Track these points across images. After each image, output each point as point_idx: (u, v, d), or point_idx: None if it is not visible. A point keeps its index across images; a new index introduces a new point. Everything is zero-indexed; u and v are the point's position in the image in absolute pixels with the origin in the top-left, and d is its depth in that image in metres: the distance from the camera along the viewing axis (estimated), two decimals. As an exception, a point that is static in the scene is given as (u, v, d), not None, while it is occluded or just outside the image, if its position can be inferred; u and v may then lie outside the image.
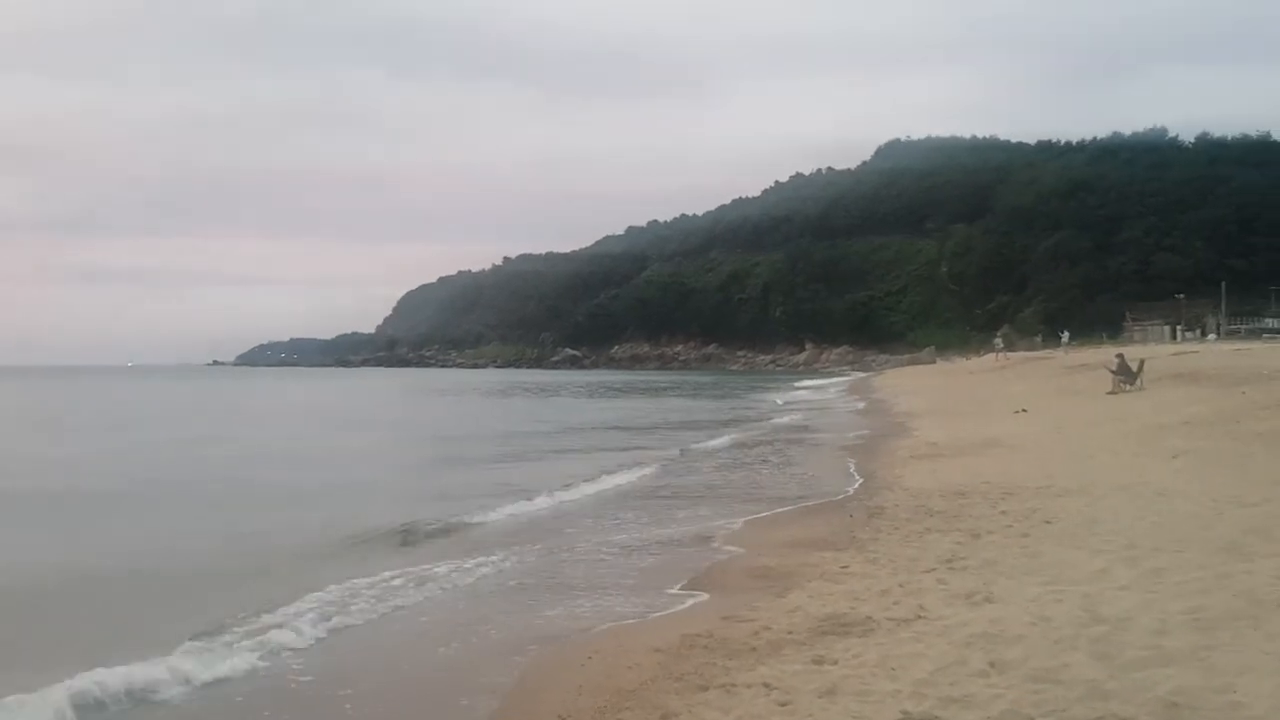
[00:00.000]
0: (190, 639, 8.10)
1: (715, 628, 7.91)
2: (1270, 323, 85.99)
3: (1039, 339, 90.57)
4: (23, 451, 28.35)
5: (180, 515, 16.34)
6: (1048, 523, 11.20)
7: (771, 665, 6.76)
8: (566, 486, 17.81)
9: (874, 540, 11.21)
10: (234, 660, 7.77)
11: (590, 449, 26.81)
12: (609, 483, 18.75)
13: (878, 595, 8.44)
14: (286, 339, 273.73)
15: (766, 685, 6.33)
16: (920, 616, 7.61)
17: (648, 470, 20.76)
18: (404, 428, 39.96)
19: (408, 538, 13.11)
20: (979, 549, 10.07)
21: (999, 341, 78.54)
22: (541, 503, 16.15)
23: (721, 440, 28.13)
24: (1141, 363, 30.31)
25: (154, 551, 12.86)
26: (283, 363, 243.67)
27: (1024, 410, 27.62)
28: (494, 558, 11.72)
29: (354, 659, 8.06)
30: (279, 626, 8.65)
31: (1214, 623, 6.52)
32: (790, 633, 7.54)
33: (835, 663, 6.67)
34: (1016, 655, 6.35)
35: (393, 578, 10.63)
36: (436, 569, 11.09)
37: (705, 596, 9.43)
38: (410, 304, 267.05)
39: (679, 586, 9.98)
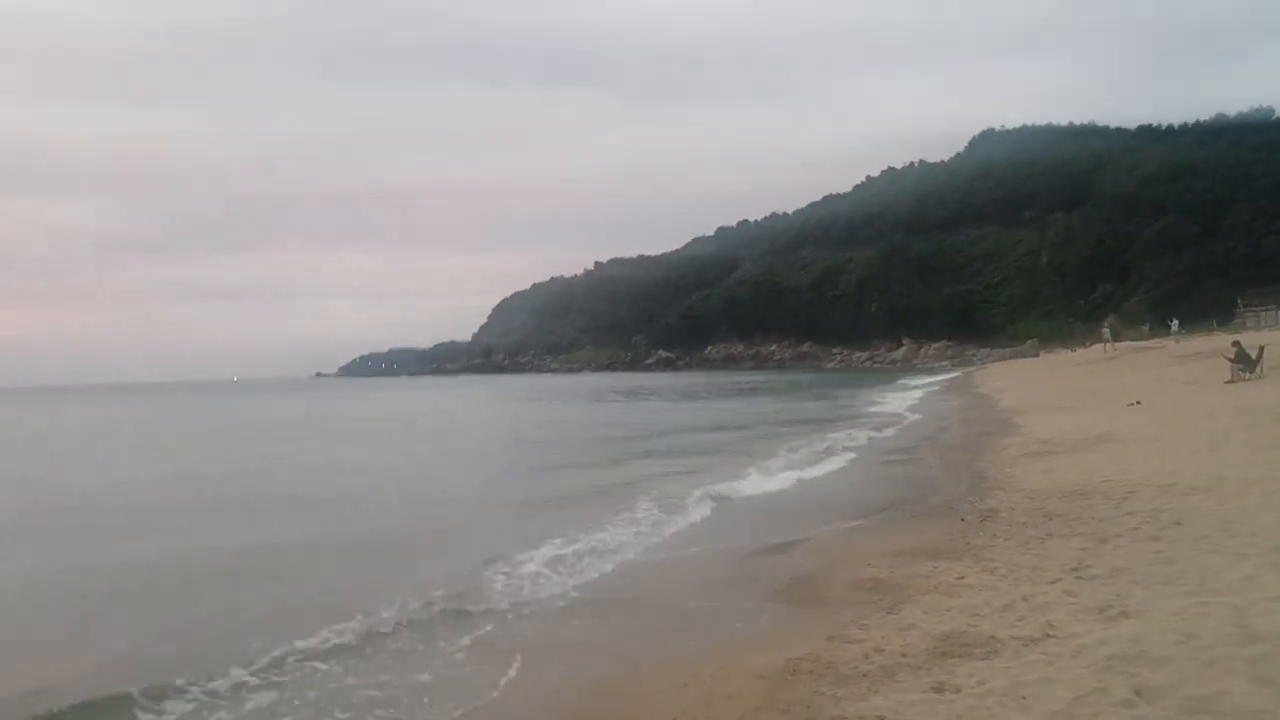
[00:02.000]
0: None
1: (822, 649, 7.32)
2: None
3: (1146, 328, 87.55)
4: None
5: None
6: (1178, 524, 10.35)
7: (886, 694, 6.15)
8: (663, 503, 17.09)
9: (990, 547, 10.49)
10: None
11: (684, 455, 26.27)
12: (706, 490, 18.16)
13: (1000, 610, 7.75)
14: (386, 349, 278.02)
15: (881, 718, 5.74)
16: (1049, 635, 6.92)
17: (744, 477, 20.11)
18: (493, 438, 39.48)
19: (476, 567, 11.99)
20: (1107, 555, 9.30)
21: (1107, 331, 75.99)
22: (642, 509, 15.69)
23: (819, 442, 27.35)
24: (1261, 349, 28.75)
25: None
26: (383, 373, 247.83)
27: (1138, 402, 26.34)
28: (577, 576, 11.27)
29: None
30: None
31: (1392, 641, 5.73)
32: (905, 655, 6.92)
33: (958, 691, 6.03)
34: (1165, 680, 5.64)
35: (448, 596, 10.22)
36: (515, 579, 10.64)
37: (810, 612, 8.82)
38: (505, 311, 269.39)
39: (781, 601, 9.39)
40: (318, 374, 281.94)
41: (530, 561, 12.00)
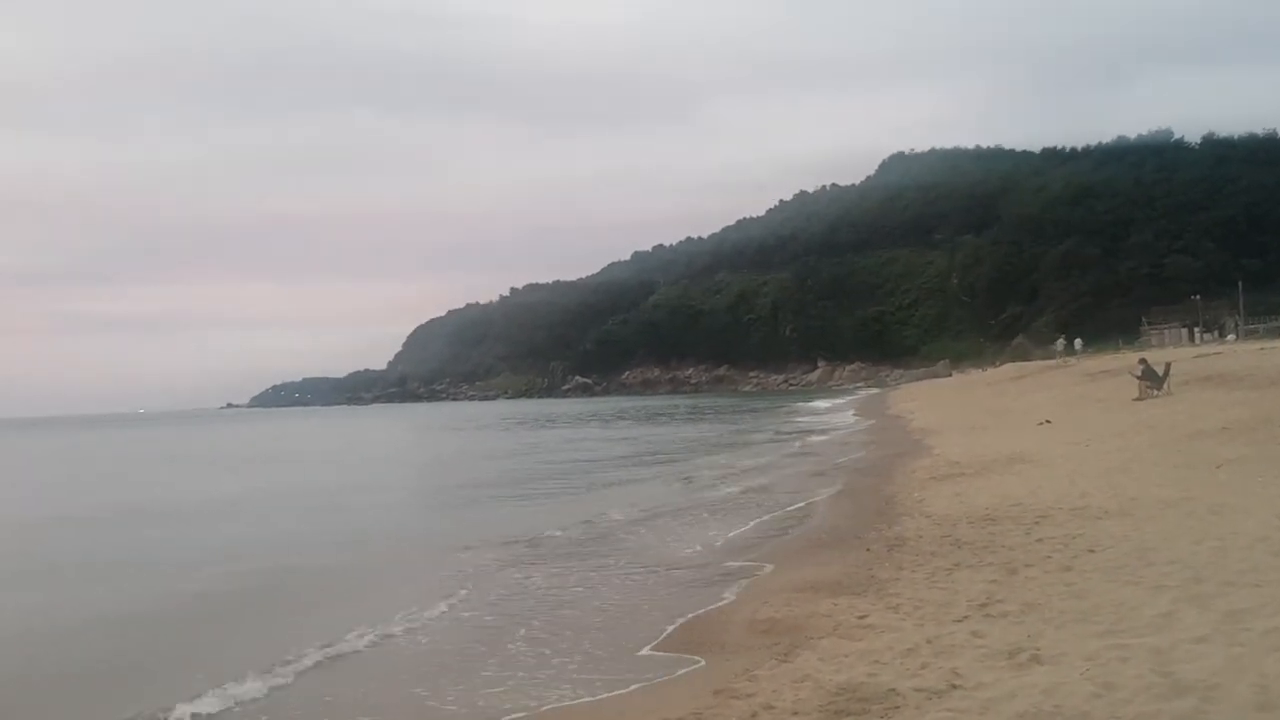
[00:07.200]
0: None
1: (705, 707, 6.49)
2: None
3: (1057, 347, 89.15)
4: None
5: None
6: (1091, 551, 9.78)
7: (769, 767, 5.35)
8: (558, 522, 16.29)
9: (895, 580, 9.79)
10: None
11: (597, 476, 25.43)
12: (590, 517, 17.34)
13: (902, 656, 7.02)
14: (299, 379, 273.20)
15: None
16: (955, 686, 6.18)
17: (643, 498, 19.32)
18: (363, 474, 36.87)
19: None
20: (1017, 588, 8.64)
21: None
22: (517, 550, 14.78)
23: (727, 464, 26.73)
24: (1168, 366, 28.80)
25: None
26: (296, 403, 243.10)
27: (1048, 421, 26.18)
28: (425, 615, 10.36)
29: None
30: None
31: (1331, 690, 5.07)
32: (796, 714, 6.12)
33: (850, 761, 5.26)
34: (1083, 746, 4.93)
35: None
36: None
37: (700, 660, 7.97)
38: (420, 339, 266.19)
39: (665, 646, 8.53)
40: (228, 404, 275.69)
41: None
